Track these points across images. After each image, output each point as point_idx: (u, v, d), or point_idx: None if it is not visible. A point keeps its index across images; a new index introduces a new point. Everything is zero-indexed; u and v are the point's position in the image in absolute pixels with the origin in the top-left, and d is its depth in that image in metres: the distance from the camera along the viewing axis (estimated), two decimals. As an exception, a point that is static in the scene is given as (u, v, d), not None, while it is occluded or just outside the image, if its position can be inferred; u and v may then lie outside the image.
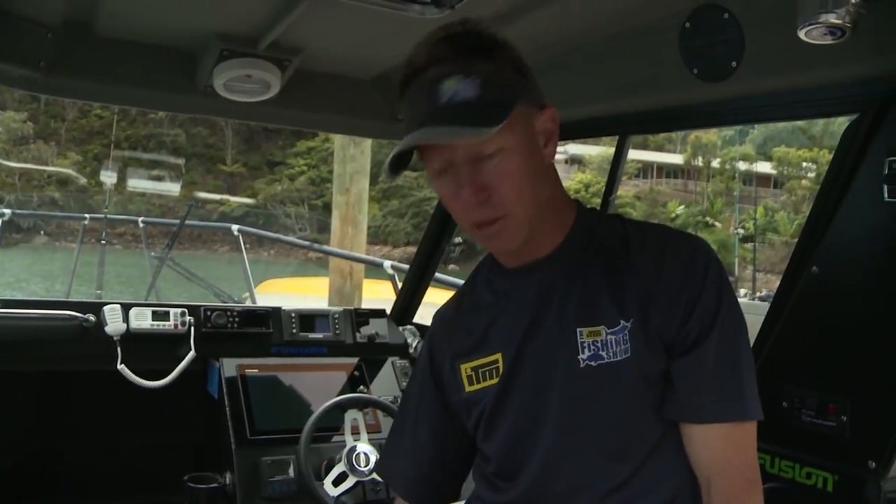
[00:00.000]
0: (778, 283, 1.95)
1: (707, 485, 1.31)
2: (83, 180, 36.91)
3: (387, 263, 4.48)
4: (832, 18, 1.44)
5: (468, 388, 1.45)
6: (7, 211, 5.28)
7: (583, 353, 1.32)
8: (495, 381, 1.41)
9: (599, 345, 1.31)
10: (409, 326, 3.43)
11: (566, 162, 47.66)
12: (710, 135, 44.58)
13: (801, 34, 1.50)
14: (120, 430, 3.32)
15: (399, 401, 3.06)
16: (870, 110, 1.66)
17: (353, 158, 8.30)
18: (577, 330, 1.32)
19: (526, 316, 1.39)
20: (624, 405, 1.31)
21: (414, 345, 3.33)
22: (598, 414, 1.32)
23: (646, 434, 1.32)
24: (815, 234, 1.78)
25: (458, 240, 3.40)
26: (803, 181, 40.56)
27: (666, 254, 1.33)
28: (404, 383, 3.21)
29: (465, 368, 1.45)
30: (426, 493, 1.57)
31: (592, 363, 1.31)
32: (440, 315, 1.59)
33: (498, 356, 1.41)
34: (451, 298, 1.60)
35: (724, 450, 1.30)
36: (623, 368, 1.30)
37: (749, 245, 28.35)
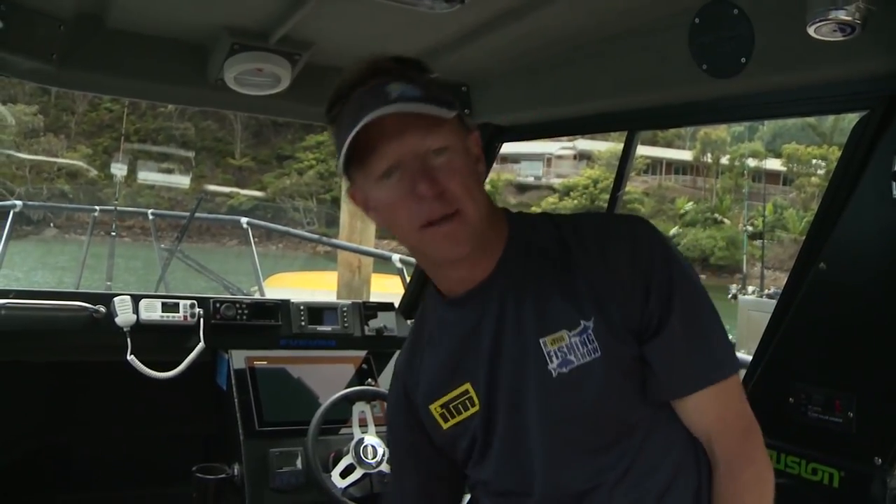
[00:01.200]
0: (786, 280, 1.96)
1: (709, 445, 1.35)
2: (93, 172, 37.05)
3: (395, 257, 4.49)
4: (842, 15, 1.44)
5: (445, 426, 1.44)
6: (18, 203, 5.30)
7: (551, 361, 1.31)
8: (475, 408, 1.40)
9: (566, 350, 1.31)
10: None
11: (575, 157, 47.61)
12: (720, 131, 44.48)
13: (811, 31, 1.50)
14: (129, 420, 3.34)
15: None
16: (879, 107, 1.66)
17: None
18: (540, 340, 1.32)
19: (485, 339, 1.38)
20: (605, 403, 1.32)
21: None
22: (581, 417, 1.33)
23: (634, 421, 1.34)
24: (822, 231, 1.78)
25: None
26: (813, 178, 40.42)
27: (607, 243, 1.34)
28: None
29: (435, 408, 1.45)
30: None
31: (564, 370, 1.31)
32: (401, 359, 1.58)
33: (467, 386, 1.40)
34: (406, 340, 1.59)
35: (715, 411, 1.33)
36: (595, 368, 1.30)
37: (758, 242, 28.26)
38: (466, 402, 1.40)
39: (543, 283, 1.34)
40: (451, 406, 1.42)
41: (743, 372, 2.21)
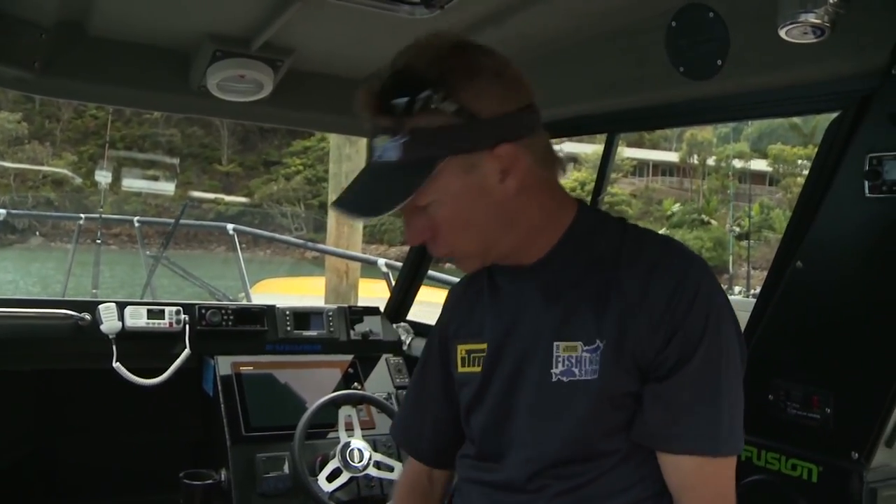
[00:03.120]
0: (764, 279, 1.98)
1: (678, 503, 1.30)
2: (78, 180, 36.87)
3: (381, 261, 4.51)
4: (811, 18, 1.47)
5: (460, 369, 1.48)
6: (2, 211, 5.30)
7: (556, 367, 1.30)
8: (479, 368, 1.43)
9: (573, 361, 1.29)
10: (402, 324, 3.45)
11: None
12: (706, 133, 44.66)
13: (782, 33, 1.53)
14: (116, 428, 3.33)
15: (392, 397, 3.09)
16: (851, 107, 1.68)
17: (348, 158, 8.32)
18: (555, 343, 1.31)
19: (510, 316, 1.39)
20: (586, 424, 1.29)
21: (408, 342, 3.36)
22: (560, 427, 1.32)
23: (608, 449, 1.30)
24: (799, 230, 1.81)
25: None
26: (798, 178, 40.58)
27: (656, 272, 1.26)
28: (398, 380, 3.23)
29: (461, 349, 1.48)
30: (440, 455, 1.60)
31: (564, 378, 1.30)
32: (454, 289, 1.61)
33: (485, 346, 1.42)
34: (462, 279, 1.59)
35: (693, 480, 1.27)
36: (590, 388, 1.28)
37: (744, 242, 28.39)
38: (480, 358, 1.43)
39: (580, 289, 1.31)
40: (470, 355, 1.46)
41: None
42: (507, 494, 1.38)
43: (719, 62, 1.84)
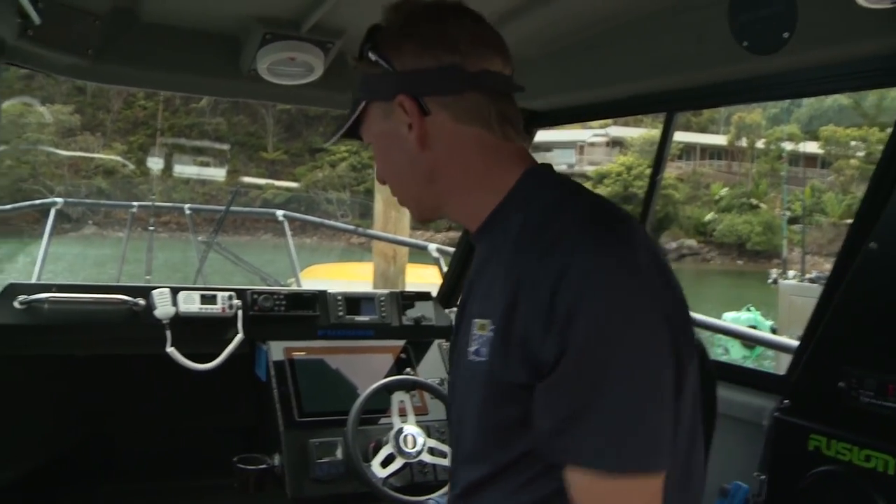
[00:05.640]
0: (826, 265, 1.91)
1: None
2: (131, 167, 37.50)
3: (431, 246, 4.48)
4: (894, -18, 1.39)
5: None
6: (60, 200, 5.37)
7: (472, 345, 1.22)
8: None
9: (483, 340, 1.20)
10: (455, 309, 3.42)
11: (607, 144, 47.27)
12: (755, 115, 43.91)
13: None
14: (170, 412, 3.37)
15: (445, 383, 3.07)
16: None
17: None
18: (473, 320, 1.23)
19: (467, 288, 1.36)
20: (482, 408, 1.21)
21: (459, 327, 3.33)
22: (467, 410, 1.26)
23: (510, 442, 1.19)
24: (872, 210, 1.73)
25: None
26: (852, 161, 39.75)
27: (548, 252, 1.13)
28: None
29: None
30: None
31: (474, 358, 1.21)
32: None
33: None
34: None
35: (583, 499, 1.11)
36: (483, 371, 1.19)
37: (796, 227, 27.88)
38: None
39: (498, 264, 1.22)
40: None
41: (788, 359, 2.17)
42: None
43: (786, 34, 1.76)
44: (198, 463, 3.21)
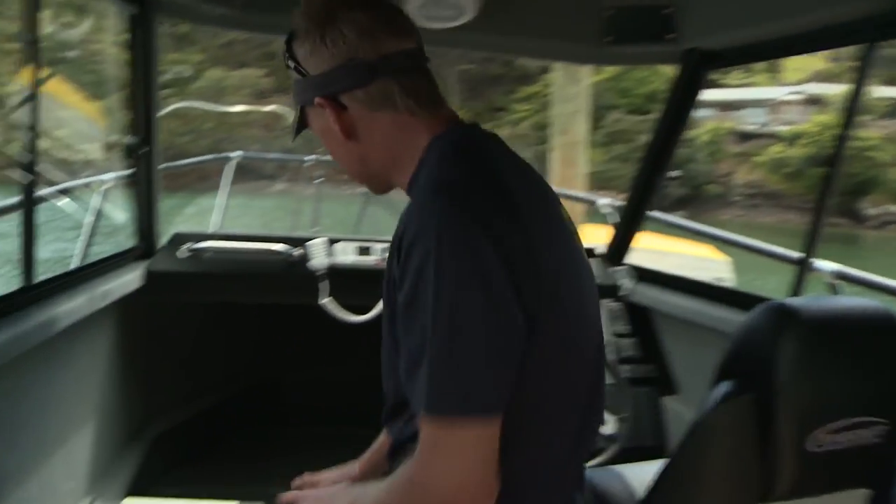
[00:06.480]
0: None
1: None
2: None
3: (601, 201, 4.24)
4: None
5: None
6: (239, 152, 5.55)
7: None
8: None
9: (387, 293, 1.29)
10: (621, 267, 3.22)
11: (804, 103, 44.30)
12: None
13: None
14: (329, 361, 3.41)
15: (609, 345, 2.91)
16: None
17: (571, 98, 8.20)
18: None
19: None
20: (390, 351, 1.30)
21: (628, 286, 3.13)
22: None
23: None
24: None
25: (675, 173, 3.10)
26: None
27: (407, 210, 1.24)
28: (615, 327, 3.04)
29: None
30: None
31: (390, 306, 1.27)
32: None
33: None
34: None
35: (420, 441, 1.16)
36: (386, 321, 1.30)
37: None
38: None
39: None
40: None
41: None
42: None
43: None
44: (357, 412, 3.21)
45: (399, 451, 1.37)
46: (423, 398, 1.12)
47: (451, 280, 1.11)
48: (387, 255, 1.26)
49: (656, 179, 3.03)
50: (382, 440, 1.61)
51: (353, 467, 1.66)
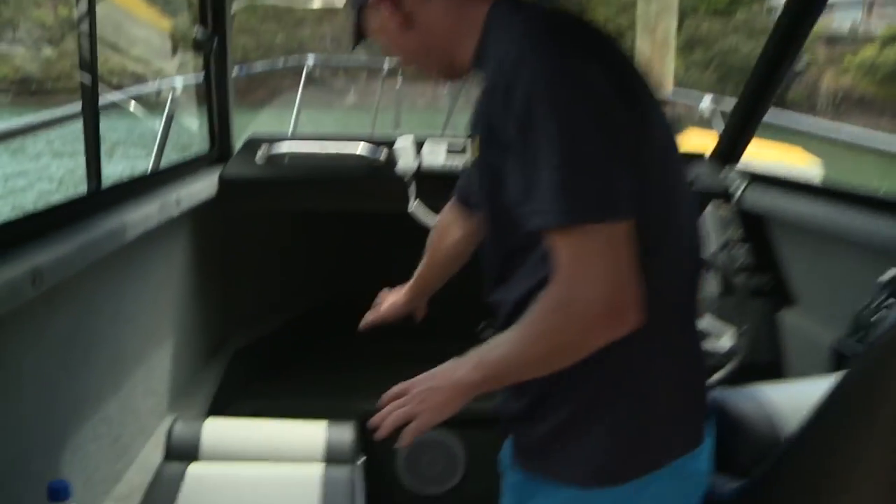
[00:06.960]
0: None
1: None
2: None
3: (704, 103, 3.89)
4: None
5: None
6: (310, 57, 5.38)
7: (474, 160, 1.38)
8: None
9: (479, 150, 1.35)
10: (732, 169, 2.93)
11: (902, 0, 41.88)
12: None
13: None
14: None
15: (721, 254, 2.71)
16: None
17: (657, -3, 7.84)
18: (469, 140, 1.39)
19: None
20: (490, 202, 1.35)
21: (739, 190, 2.84)
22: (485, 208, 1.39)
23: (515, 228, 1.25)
24: None
25: (801, 66, 2.76)
26: None
27: (505, 59, 1.23)
28: (727, 234, 2.79)
29: None
30: None
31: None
32: None
33: None
34: None
35: (555, 259, 1.16)
36: (484, 172, 1.34)
37: None
38: None
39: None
40: None
41: None
42: None
43: None
44: (443, 327, 3.09)
45: (514, 312, 1.32)
46: (551, 213, 1.13)
47: (564, 93, 1.15)
48: None
49: (780, 72, 2.70)
50: None
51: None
